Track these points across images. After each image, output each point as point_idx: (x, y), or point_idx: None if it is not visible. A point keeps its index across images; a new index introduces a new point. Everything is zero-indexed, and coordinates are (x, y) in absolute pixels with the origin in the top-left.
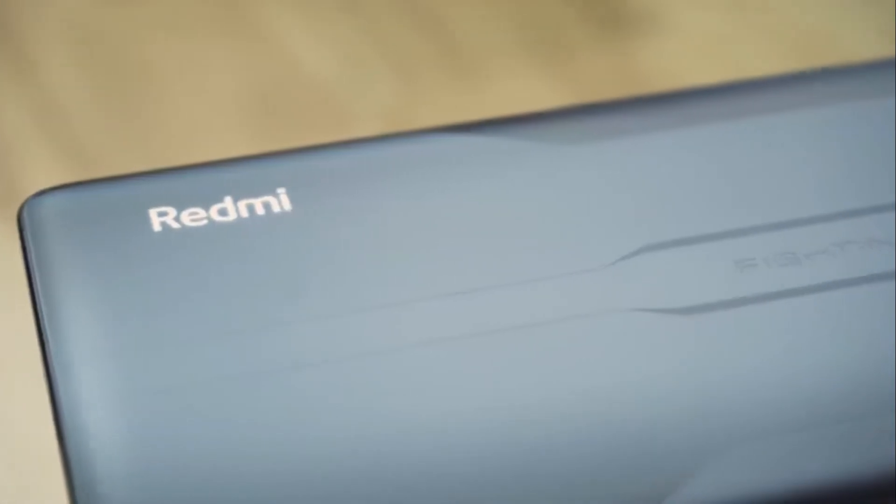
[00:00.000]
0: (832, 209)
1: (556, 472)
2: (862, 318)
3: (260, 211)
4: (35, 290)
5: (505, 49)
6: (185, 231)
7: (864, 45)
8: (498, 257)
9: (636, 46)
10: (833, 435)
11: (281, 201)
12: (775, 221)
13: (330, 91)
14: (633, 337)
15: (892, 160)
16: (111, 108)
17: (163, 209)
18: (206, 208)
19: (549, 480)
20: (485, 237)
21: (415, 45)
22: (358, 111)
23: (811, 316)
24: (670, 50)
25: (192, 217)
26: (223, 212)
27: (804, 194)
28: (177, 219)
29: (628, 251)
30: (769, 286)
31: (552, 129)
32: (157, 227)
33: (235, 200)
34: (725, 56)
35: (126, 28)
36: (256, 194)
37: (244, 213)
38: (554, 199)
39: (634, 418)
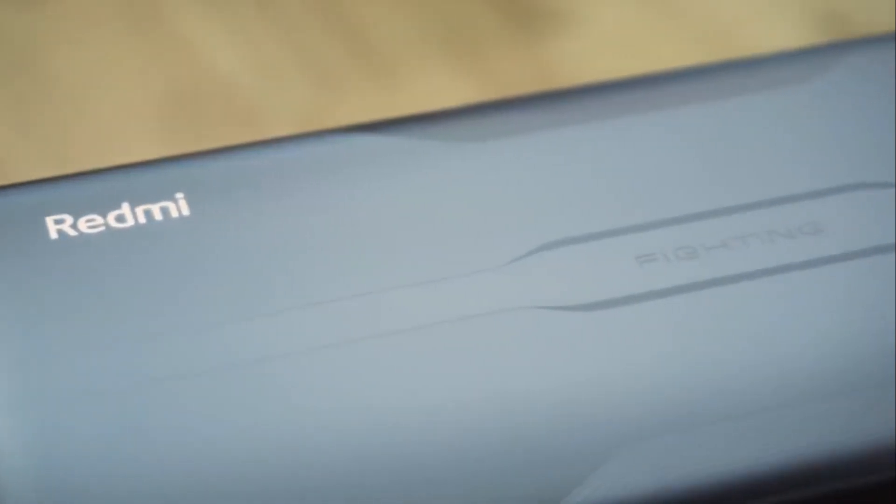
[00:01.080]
0: (732, 202)
1: (454, 472)
2: (761, 312)
3: (158, 216)
4: None
5: (419, 48)
6: (83, 238)
7: (775, 37)
8: (398, 258)
9: (550, 42)
10: (726, 431)
11: (179, 206)
12: (676, 216)
13: (244, 95)
14: (534, 335)
15: (791, 153)
16: (20, 115)
17: (60, 216)
18: (104, 215)
19: (449, 480)
20: (384, 238)
21: (329, 48)
22: (273, 114)
23: (711, 310)
24: (584, 44)
25: (90, 224)
26: (120, 218)
27: (704, 188)
28: (74, 226)
29: (529, 249)
30: (670, 281)
31: (453, 128)
32: (53, 235)
33: (133, 206)
34: (639, 50)
35: (33, 32)
36: (154, 199)
37: (142, 219)
38: (455, 198)
39: (536, 416)
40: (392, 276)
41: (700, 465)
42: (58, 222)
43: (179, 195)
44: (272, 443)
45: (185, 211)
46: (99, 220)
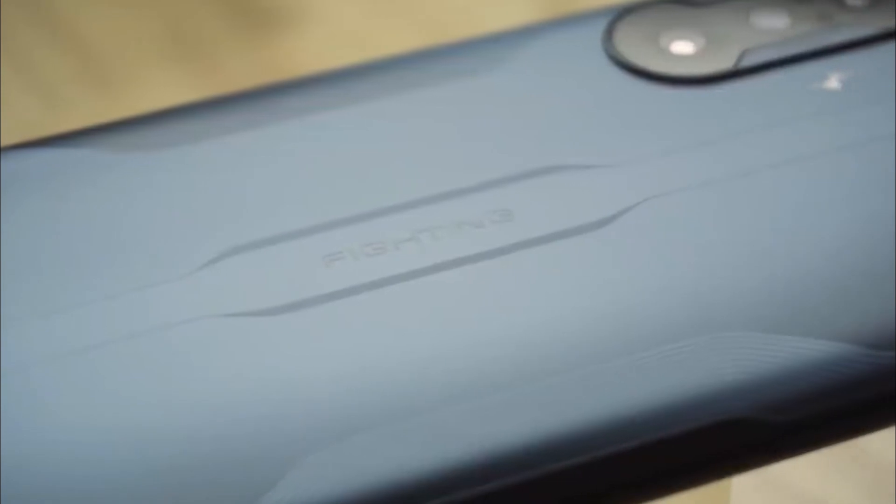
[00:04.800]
0: (419, 195)
1: (147, 483)
2: (453, 304)
3: None
4: None
5: (148, 55)
6: None
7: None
8: (78, 274)
9: (280, 40)
10: (420, 425)
11: None
12: (361, 212)
13: None
14: (222, 342)
15: (481, 139)
16: None
17: None
18: None
19: (138, 491)
20: (62, 255)
21: (53, 60)
22: None
23: (401, 305)
24: (314, 41)
25: None
26: None
27: (392, 182)
28: None
29: (212, 256)
30: (358, 278)
31: (133, 137)
32: None
33: None
34: (368, 42)
35: None
36: None
37: None
38: (134, 210)
39: (226, 422)
40: (76, 294)
41: (388, 465)
42: None
43: None
44: None
45: None
46: None
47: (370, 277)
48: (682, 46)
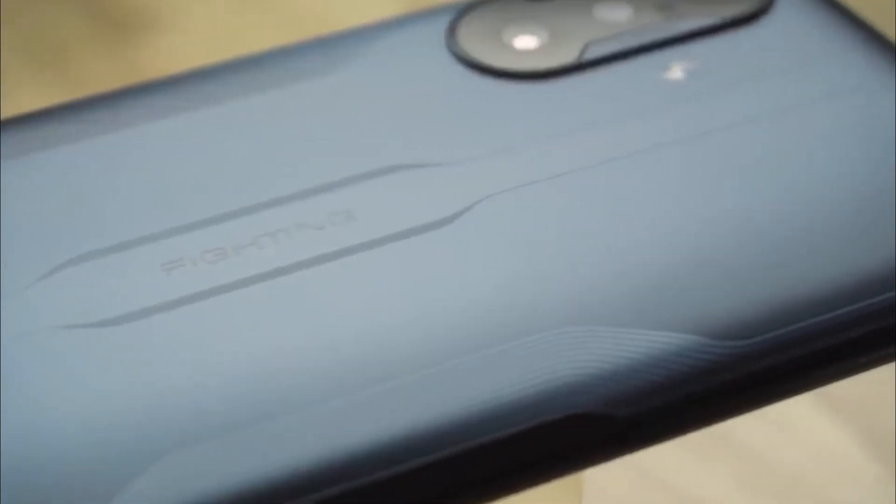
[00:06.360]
0: (259, 199)
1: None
2: (298, 306)
3: None
4: None
5: (6, 60)
6: None
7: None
8: None
9: (141, 46)
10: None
11: None
12: (202, 218)
13: None
14: (59, 354)
15: (322, 142)
16: None
17: None
18: None
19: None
20: None
21: None
22: None
23: (246, 310)
24: (176, 46)
25: None
26: None
27: (230, 187)
28: None
29: (50, 268)
30: (198, 285)
31: None
32: None
33: None
34: (233, 47)
35: None
36: None
37: None
38: None
39: (65, 433)
40: None
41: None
42: None
43: None
44: None
45: None
46: None
47: (210, 284)
48: (525, 41)
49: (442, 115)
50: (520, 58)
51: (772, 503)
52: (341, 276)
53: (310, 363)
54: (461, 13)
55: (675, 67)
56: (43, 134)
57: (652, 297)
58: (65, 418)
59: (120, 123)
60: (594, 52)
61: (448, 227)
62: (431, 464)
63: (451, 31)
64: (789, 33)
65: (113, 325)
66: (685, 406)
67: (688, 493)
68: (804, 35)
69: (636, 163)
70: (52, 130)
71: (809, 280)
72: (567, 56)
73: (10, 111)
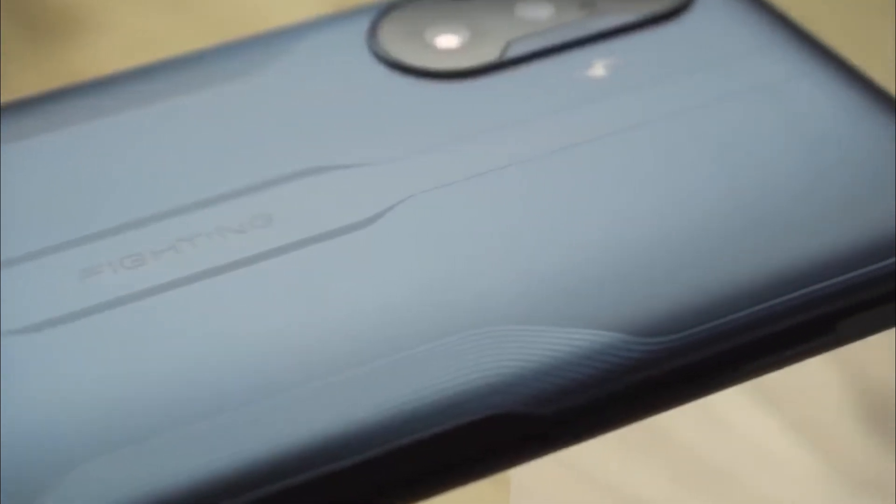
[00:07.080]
0: (178, 203)
1: None
2: (217, 311)
3: None
4: None
5: None
6: None
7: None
8: None
9: (67, 50)
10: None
11: None
12: (120, 224)
13: None
14: None
15: (240, 144)
16: None
17: None
18: None
19: None
20: None
21: None
22: None
23: (165, 315)
24: (103, 51)
25: None
26: None
27: (149, 192)
28: None
29: None
30: (117, 291)
31: None
32: None
33: None
34: (160, 50)
35: None
36: None
37: None
38: None
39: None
40: None
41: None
42: None
43: None
44: None
45: None
46: None
47: (129, 290)
48: (447, 41)
49: (363, 116)
50: (441, 57)
51: (705, 497)
52: (261, 280)
53: (228, 369)
54: (382, 13)
55: (597, 64)
56: None
57: (572, 296)
58: None
59: (36, 129)
60: (516, 51)
61: (369, 229)
62: (353, 466)
63: (373, 30)
64: (708, 30)
65: (31, 333)
66: (607, 404)
67: (620, 489)
68: (723, 31)
69: (557, 161)
70: None
71: (729, 277)
72: (489, 55)
73: None
